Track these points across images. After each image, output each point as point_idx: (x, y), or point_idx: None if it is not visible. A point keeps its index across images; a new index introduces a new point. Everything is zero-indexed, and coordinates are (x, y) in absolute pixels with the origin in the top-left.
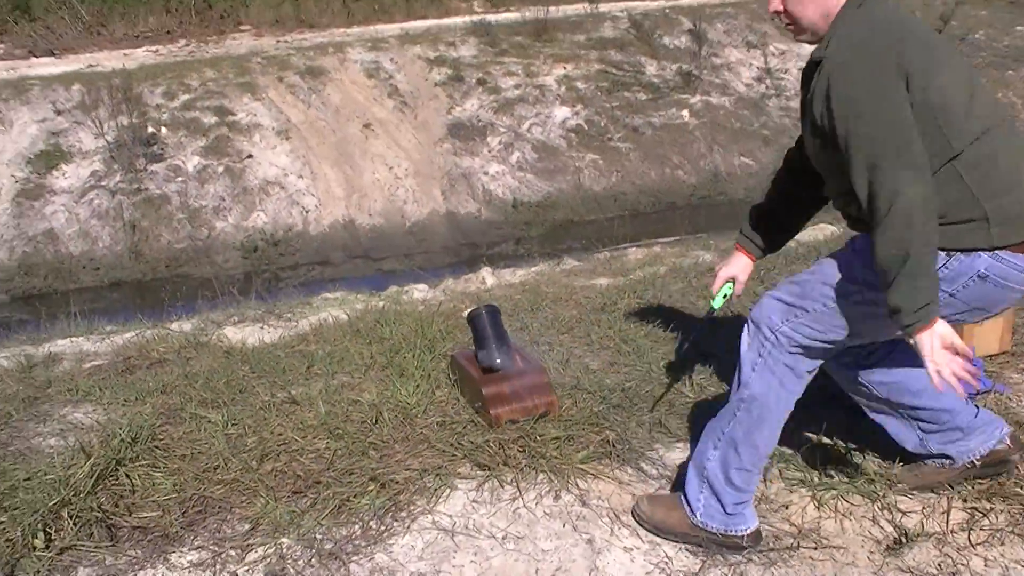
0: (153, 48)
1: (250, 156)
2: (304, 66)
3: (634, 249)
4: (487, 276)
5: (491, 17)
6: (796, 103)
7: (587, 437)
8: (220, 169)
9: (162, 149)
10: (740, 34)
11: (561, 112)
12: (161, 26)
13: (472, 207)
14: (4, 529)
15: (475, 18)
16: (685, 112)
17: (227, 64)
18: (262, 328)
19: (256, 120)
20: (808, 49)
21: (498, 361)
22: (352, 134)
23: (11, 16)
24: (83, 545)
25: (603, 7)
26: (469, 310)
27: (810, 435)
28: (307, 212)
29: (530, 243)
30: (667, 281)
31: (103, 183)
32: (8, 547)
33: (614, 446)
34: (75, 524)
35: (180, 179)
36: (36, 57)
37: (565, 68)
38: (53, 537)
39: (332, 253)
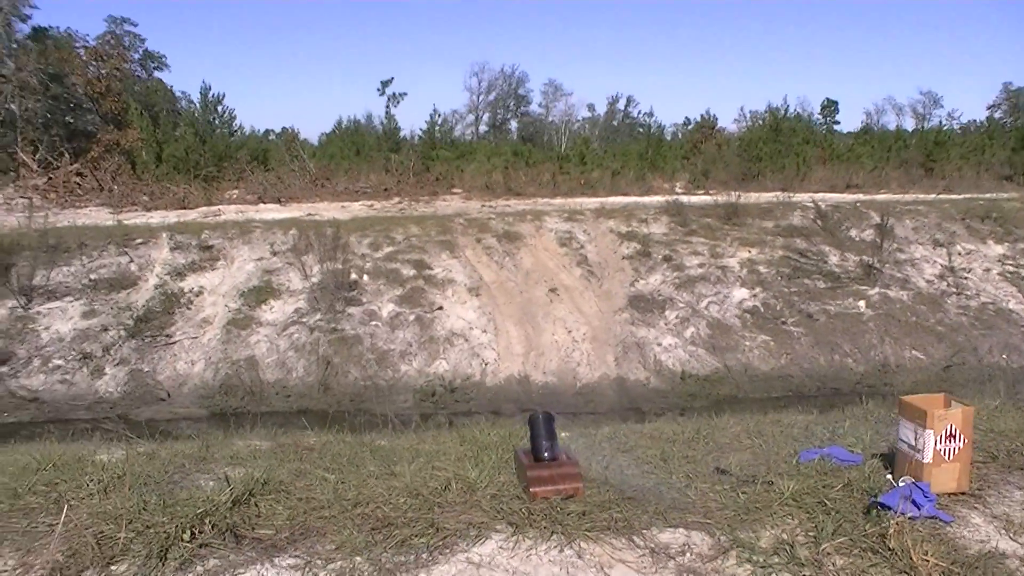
0: (369, 203)
1: (440, 308)
2: (502, 230)
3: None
4: None
5: (685, 198)
6: (977, 303)
7: (598, 515)
8: (411, 317)
9: (361, 294)
10: (928, 232)
11: (740, 293)
12: (380, 183)
13: (642, 375)
14: (165, 526)
15: (670, 198)
16: (862, 303)
17: (431, 222)
18: None
19: (451, 276)
20: (996, 251)
21: (545, 454)
22: (538, 296)
23: (248, 165)
24: (216, 543)
25: (796, 197)
26: (530, 414)
27: (768, 530)
28: (486, 364)
29: (693, 414)
30: (731, 426)
31: (304, 320)
32: (165, 536)
33: (616, 523)
34: (213, 529)
35: (374, 323)
36: (264, 203)
37: (750, 252)
38: (196, 536)
39: (504, 405)
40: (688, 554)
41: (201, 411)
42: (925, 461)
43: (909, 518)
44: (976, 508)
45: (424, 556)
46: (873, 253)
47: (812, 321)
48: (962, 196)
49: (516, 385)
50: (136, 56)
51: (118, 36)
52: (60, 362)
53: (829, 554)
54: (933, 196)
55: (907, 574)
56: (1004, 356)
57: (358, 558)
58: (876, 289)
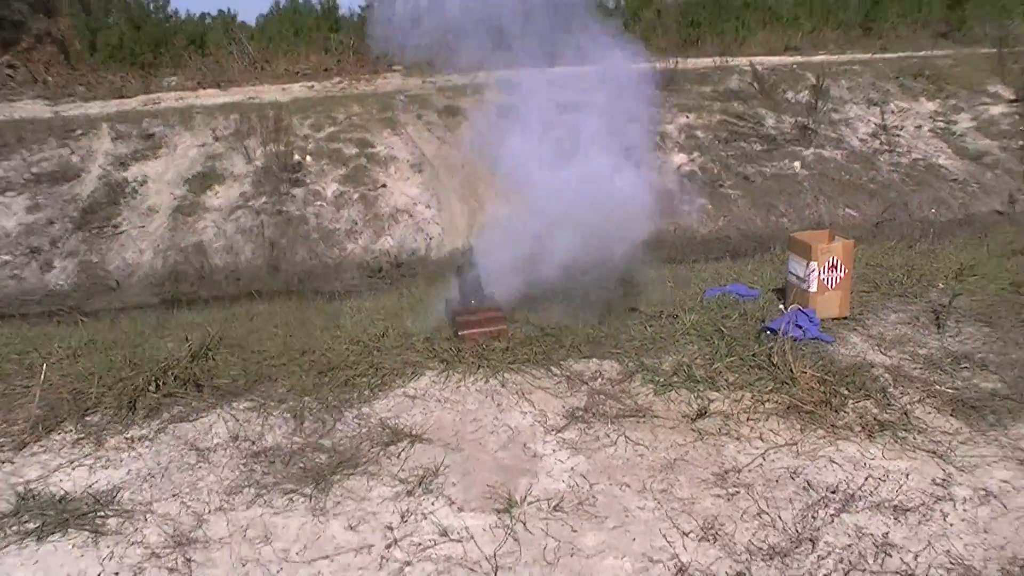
0: (309, 84)
1: (384, 186)
2: (443, 105)
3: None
4: None
5: None
6: (908, 160)
7: (520, 351)
8: (356, 196)
9: (305, 175)
10: (863, 91)
11: (678, 158)
12: (320, 64)
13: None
14: (133, 379)
15: None
16: (797, 163)
17: (372, 101)
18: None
19: (393, 153)
20: (928, 107)
21: (472, 302)
22: (480, 170)
23: (185, 51)
24: (179, 392)
25: (734, 61)
26: (457, 265)
27: (670, 356)
28: (431, 239)
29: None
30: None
31: (249, 203)
32: (134, 389)
33: (536, 356)
34: (176, 381)
35: (319, 203)
36: (204, 88)
37: (687, 117)
38: (161, 387)
39: (449, 276)
40: (599, 379)
41: (152, 299)
42: (810, 290)
43: (794, 340)
44: (856, 330)
45: (366, 393)
46: (808, 114)
47: (749, 183)
48: (897, 55)
49: (460, 257)
50: None
51: None
52: (8, 257)
53: (721, 372)
54: (869, 56)
55: (788, 384)
56: (933, 210)
57: (307, 398)
58: (811, 150)
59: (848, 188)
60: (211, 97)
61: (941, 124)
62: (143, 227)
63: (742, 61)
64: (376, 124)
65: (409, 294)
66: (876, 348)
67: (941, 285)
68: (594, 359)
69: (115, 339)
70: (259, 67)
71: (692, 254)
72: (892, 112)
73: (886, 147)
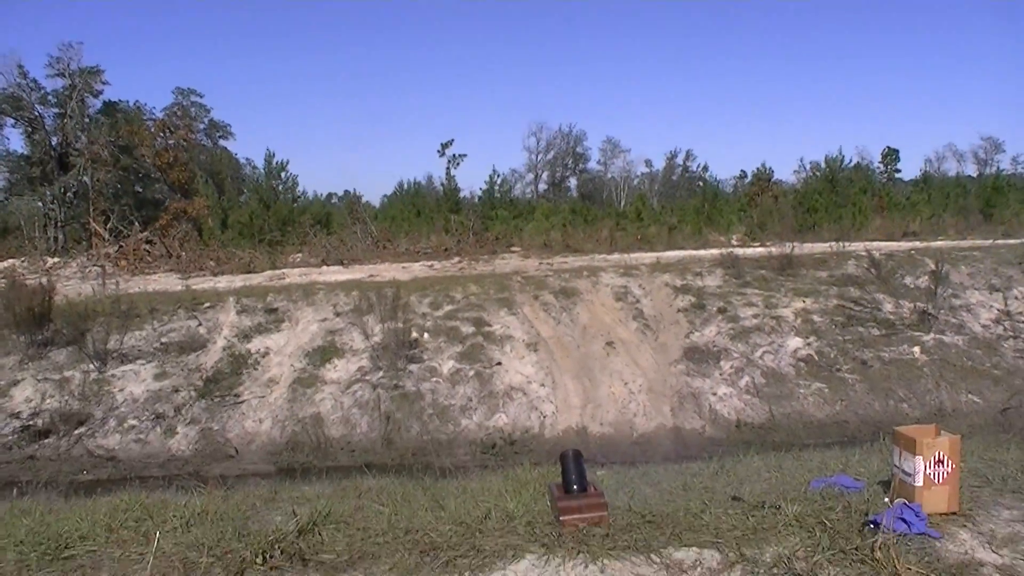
0: (429, 263)
1: (499, 363)
2: (559, 287)
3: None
4: None
5: (740, 250)
6: None
7: (620, 537)
8: (471, 373)
9: (422, 352)
10: (984, 277)
11: (794, 342)
12: (440, 244)
13: (697, 424)
14: (241, 552)
15: (724, 251)
16: (916, 349)
17: (490, 281)
18: None
19: (509, 332)
20: None
21: (574, 487)
22: (595, 351)
23: (311, 230)
24: (285, 566)
25: (851, 246)
26: (561, 452)
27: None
28: (544, 417)
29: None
30: (754, 461)
31: (367, 378)
32: (241, 561)
33: (636, 543)
34: (282, 554)
35: (434, 379)
36: (327, 265)
37: (804, 302)
38: (268, 560)
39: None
40: (699, 568)
41: (269, 467)
42: (916, 484)
43: (901, 535)
44: (965, 526)
45: (467, 574)
46: (928, 300)
47: (866, 368)
48: (1019, 240)
49: (574, 436)
50: (202, 126)
51: (185, 108)
52: (134, 422)
53: (823, 566)
54: (990, 242)
55: None
56: None
57: None
58: (931, 335)
59: (970, 374)
60: (334, 274)
61: None
62: (263, 397)
63: (858, 247)
64: (493, 303)
65: (513, 476)
66: (986, 546)
67: None
68: (694, 548)
69: (227, 510)
70: (381, 246)
71: (807, 438)
72: (1016, 298)
73: (1010, 333)
